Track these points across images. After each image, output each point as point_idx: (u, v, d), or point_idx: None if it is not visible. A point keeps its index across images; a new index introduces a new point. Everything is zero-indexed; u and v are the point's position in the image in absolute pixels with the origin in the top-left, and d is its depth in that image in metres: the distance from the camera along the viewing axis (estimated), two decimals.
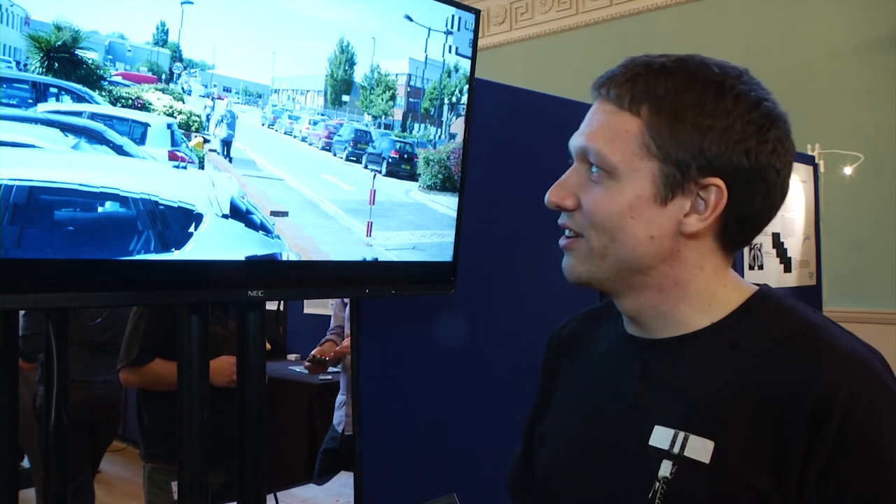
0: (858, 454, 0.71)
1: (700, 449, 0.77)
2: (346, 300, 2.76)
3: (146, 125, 1.06)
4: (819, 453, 0.71)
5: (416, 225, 1.44)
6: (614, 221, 0.81)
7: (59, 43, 0.96)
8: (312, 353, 3.00)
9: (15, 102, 0.93)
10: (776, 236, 3.01)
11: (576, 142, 0.85)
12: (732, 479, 0.74)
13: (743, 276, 2.90)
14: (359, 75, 1.31)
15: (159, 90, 1.07)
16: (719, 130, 0.78)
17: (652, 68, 0.81)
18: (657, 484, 0.78)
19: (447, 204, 1.50)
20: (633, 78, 0.81)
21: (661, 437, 0.80)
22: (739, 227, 0.83)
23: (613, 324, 0.96)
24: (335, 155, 1.33)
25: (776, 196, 0.83)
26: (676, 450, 0.78)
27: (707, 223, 0.81)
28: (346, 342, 2.85)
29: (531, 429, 1.04)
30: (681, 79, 0.80)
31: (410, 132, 1.43)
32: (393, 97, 1.38)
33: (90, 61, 0.99)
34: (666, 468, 0.78)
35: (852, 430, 0.71)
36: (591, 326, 1.01)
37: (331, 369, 3.58)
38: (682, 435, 0.79)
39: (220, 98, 1.14)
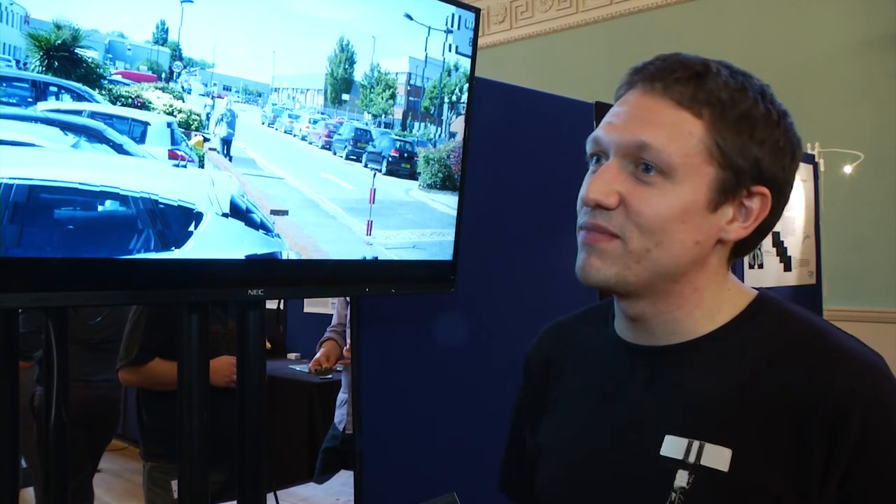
0: (878, 457, 0.71)
1: (717, 457, 0.75)
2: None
3: (146, 124, 1.06)
4: (839, 457, 0.71)
5: (416, 224, 1.44)
6: (666, 225, 0.77)
7: (59, 41, 0.96)
8: (315, 359, 2.99)
9: (15, 101, 0.93)
10: (776, 235, 3.01)
11: (622, 135, 0.79)
12: (751, 486, 0.74)
13: (743, 276, 2.88)
14: (359, 74, 1.31)
15: (159, 89, 1.07)
16: (771, 144, 0.79)
17: (711, 70, 0.79)
18: (673, 494, 0.76)
19: (447, 202, 1.50)
20: (695, 77, 0.78)
21: (673, 446, 0.78)
22: (756, 237, 0.84)
23: (601, 329, 0.94)
24: (335, 154, 1.33)
25: (782, 212, 0.85)
26: (692, 459, 0.77)
27: (748, 231, 0.81)
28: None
29: (518, 435, 1.03)
30: (735, 85, 0.79)
31: (410, 131, 1.43)
32: (393, 96, 1.38)
33: (90, 60, 0.99)
34: (682, 478, 0.76)
35: (871, 434, 0.71)
36: (574, 335, 0.99)
37: None
38: (696, 444, 0.77)
39: (219, 97, 1.14)
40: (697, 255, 0.80)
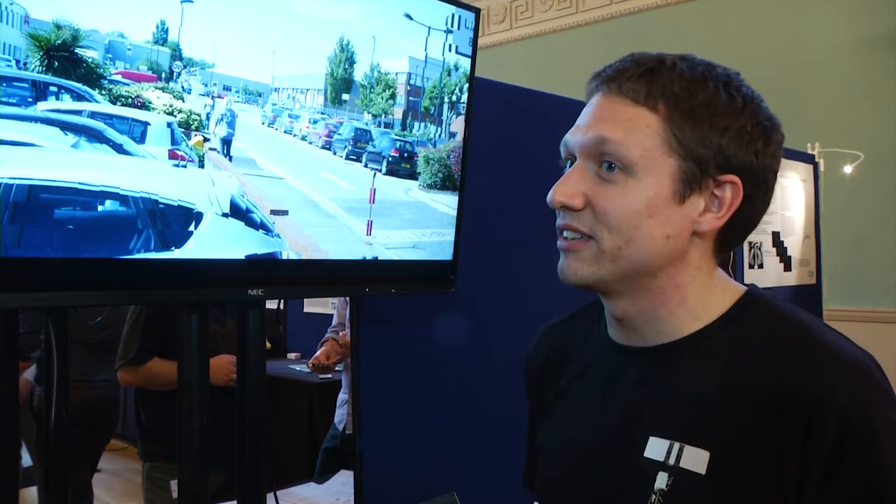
0: (857, 457, 0.70)
1: (695, 459, 0.75)
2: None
3: (146, 124, 1.06)
4: (818, 457, 0.70)
5: (416, 224, 1.44)
6: (632, 221, 0.78)
7: (59, 41, 0.96)
8: (315, 356, 2.99)
9: (15, 101, 0.93)
10: (776, 235, 3.01)
11: (584, 136, 0.80)
12: (730, 488, 0.73)
13: (743, 276, 2.87)
14: (359, 74, 1.31)
15: (159, 89, 1.07)
16: (735, 130, 0.78)
17: (665, 65, 0.79)
18: (653, 497, 0.76)
19: (447, 202, 1.50)
20: (647, 73, 0.79)
21: (656, 448, 0.78)
22: (739, 228, 0.83)
23: (593, 330, 0.94)
24: (335, 154, 1.33)
25: (769, 199, 0.84)
26: (672, 461, 0.76)
27: (722, 221, 0.80)
28: (343, 339, 2.84)
29: (530, 434, 1.04)
30: (693, 76, 0.79)
31: (410, 131, 1.43)
32: (393, 96, 1.38)
33: (90, 60, 0.99)
34: (662, 480, 0.76)
35: (850, 433, 0.69)
36: (569, 336, 0.99)
37: None
38: (677, 446, 0.77)
39: (219, 97, 1.14)
40: (672, 249, 0.80)
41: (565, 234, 0.82)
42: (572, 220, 0.80)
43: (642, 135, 0.78)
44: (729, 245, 0.85)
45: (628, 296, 0.83)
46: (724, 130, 0.78)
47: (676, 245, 0.80)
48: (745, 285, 0.87)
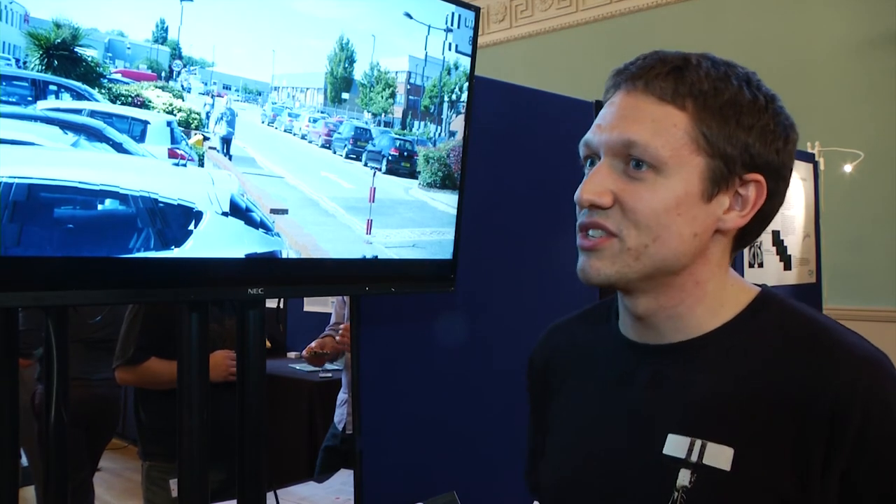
0: (879, 451, 0.71)
1: (719, 456, 0.75)
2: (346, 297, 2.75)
3: (146, 123, 1.06)
4: (840, 452, 0.71)
5: (415, 223, 1.44)
6: (662, 219, 0.78)
7: (59, 40, 0.95)
8: (311, 345, 2.97)
9: (14, 100, 0.93)
10: (776, 234, 3.01)
11: (610, 135, 0.80)
12: (754, 484, 0.74)
13: (743, 274, 2.89)
14: (358, 73, 1.31)
15: (159, 88, 1.07)
16: (760, 128, 0.79)
17: (691, 63, 0.79)
18: (676, 493, 0.76)
19: (447, 201, 1.49)
20: (675, 71, 0.79)
21: (675, 445, 0.78)
22: (758, 226, 0.84)
23: (603, 328, 0.93)
24: (335, 153, 1.33)
25: (784, 196, 0.84)
26: (694, 458, 0.77)
27: (746, 220, 0.81)
28: (344, 335, 2.83)
29: (532, 436, 1.03)
30: (718, 75, 0.79)
31: (410, 130, 1.42)
32: (393, 95, 1.38)
33: (90, 59, 0.99)
34: (684, 477, 0.76)
35: (872, 428, 0.71)
36: (577, 335, 0.99)
37: (332, 367, 3.57)
38: (699, 443, 0.77)
39: (219, 96, 1.14)
40: (697, 247, 0.80)
41: (590, 232, 0.81)
42: (599, 218, 0.80)
43: (670, 134, 0.78)
44: (746, 242, 0.86)
45: (650, 293, 0.83)
46: (749, 129, 0.79)
47: (701, 242, 0.81)
48: (758, 285, 0.87)
